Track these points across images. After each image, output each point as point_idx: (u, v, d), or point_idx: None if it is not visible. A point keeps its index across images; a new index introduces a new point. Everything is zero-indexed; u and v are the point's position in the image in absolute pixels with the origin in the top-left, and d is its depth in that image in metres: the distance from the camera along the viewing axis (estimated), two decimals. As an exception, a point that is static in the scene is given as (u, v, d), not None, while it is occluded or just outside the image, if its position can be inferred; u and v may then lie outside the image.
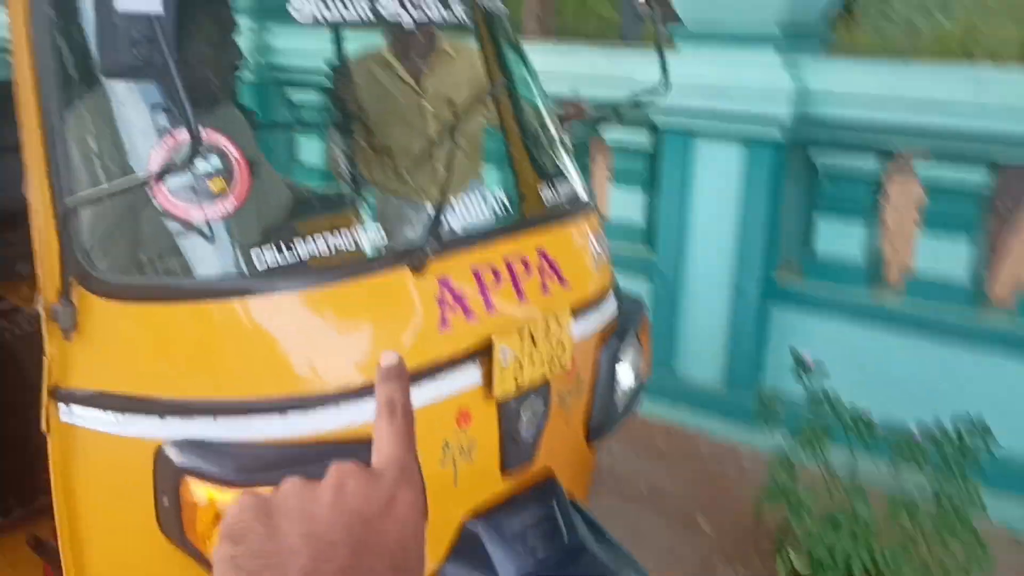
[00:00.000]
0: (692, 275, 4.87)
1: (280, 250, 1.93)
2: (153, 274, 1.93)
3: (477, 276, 2.15)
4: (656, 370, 4.98)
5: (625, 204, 5.19)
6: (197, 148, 1.61)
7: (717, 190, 4.70)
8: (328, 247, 2.01)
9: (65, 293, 1.86)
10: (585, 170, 5.41)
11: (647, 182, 5.10)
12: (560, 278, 2.35)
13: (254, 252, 1.90)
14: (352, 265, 2.01)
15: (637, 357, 2.67)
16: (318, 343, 1.93)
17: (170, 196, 1.85)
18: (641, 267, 5.07)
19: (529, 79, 2.80)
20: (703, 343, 4.91)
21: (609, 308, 2.59)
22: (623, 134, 5.05)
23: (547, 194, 2.52)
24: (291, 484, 0.61)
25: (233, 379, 1.88)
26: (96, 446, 1.93)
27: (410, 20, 2.27)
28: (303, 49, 6.01)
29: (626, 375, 2.64)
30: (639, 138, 5.01)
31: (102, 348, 1.90)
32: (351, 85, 3.42)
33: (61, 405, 1.93)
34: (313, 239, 2.01)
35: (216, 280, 1.89)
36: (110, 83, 1.89)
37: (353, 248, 2.06)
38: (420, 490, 0.63)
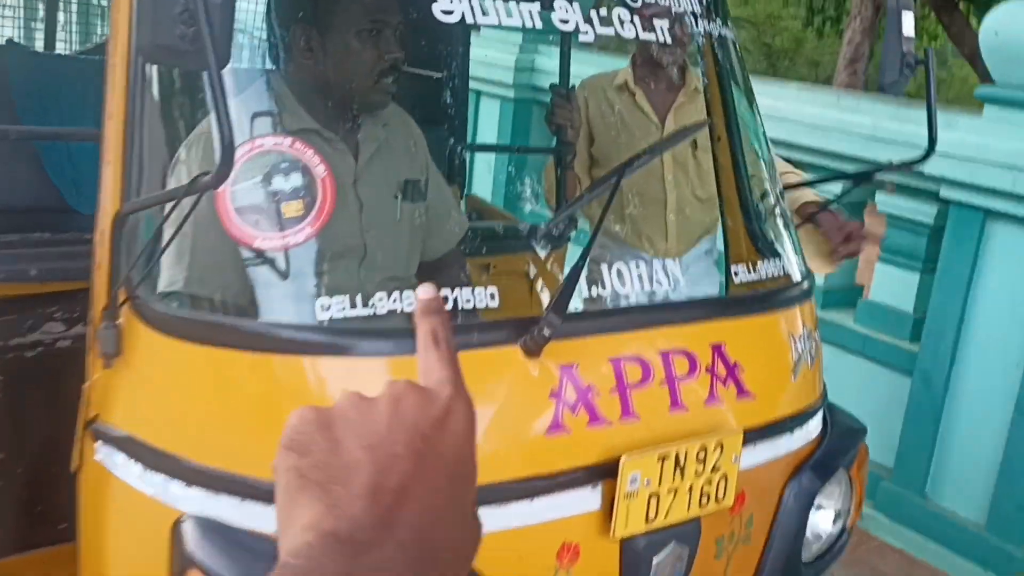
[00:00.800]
0: (965, 384, 4.01)
1: (363, 301, 1.52)
2: (208, 309, 1.59)
3: (617, 369, 1.64)
4: (903, 491, 4.17)
5: (893, 286, 4.39)
6: (229, 162, 1.23)
7: (1012, 285, 3.83)
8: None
9: (111, 313, 1.55)
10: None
11: (925, 263, 4.28)
12: (739, 386, 1.78)
13: (332, 299, 1.50)
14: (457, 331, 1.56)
15: (843, 500, 2.03)
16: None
17: (233, 216, 1.50)
18: (901, 363, 4.26)
19: (754, 124, 2.24)
20: (967, 469, 4.02)
21: (808, 431, 1.97)
22: (903, 203, 4.27)
23: (744, 271, 1.95)
24: (348, 398, 0.61)
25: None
26: (126, 498, 1.61)
27: (592, 35, 1.79)
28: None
29: (824, 521, 2.00)
30: (922, 211, 4.20)
31: (142, 385, 1.58)
32: (574, 109, 2.98)
33: (98, 442, 1.63)
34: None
35: (273, 329, 1.51)
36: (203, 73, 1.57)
37: (470, 308, 1.61)
38: (471, 405, 0.63)
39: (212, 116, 1.22)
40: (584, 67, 4.52)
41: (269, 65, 2.02)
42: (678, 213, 2.78)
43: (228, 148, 1.22)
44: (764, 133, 2.24)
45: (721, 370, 1.76)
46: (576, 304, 1.64)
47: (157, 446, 1.53)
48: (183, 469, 1.51)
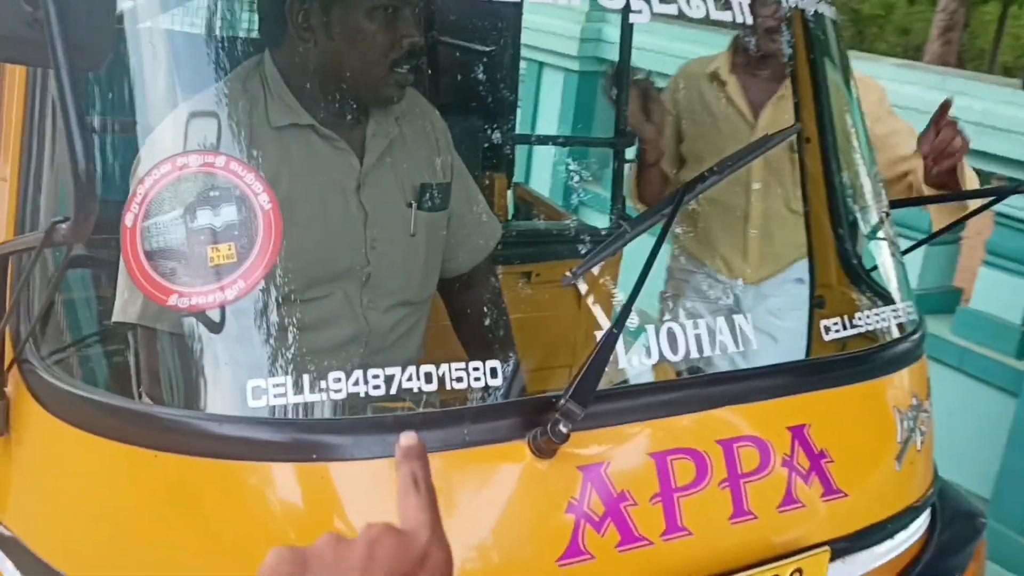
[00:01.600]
0: (1080, 411, 3.49)
1: (313, 384, 1.12)
2: (108, 385, 1.20)
3: (662, 468, 1.22)
4: (998, 527, 3.67)
5: (998, 293, 3.86)
6: (87, 207, 0.84)
7: None
8: (422, 378, 1.17)
9: (-4, 377, 1.18)
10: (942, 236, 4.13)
11: (1039, 270, 3.75)
12: (826, 482, 1.34)
13: (268, 381, 1.09)
14: (445, 421, 1.15)
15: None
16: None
17: (145, 263, 1.10)
18: (1005, 381, 3.75)
19: (855, 121, 1.77)
20: (1077, 508, 3.52)
21: (915, 532, 1.52)
22: (1015, 200, 3.72)
23: (836, 325, 1.50)
24: (326, 540, 0.63)
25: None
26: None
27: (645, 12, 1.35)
28: (641, 44, 5.21)
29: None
30: (1038, 209, 3.66)
31: (31, 477, 1.21)
32: (652, 99, 2.51)
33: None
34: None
35: (185, 420, 1.11)
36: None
37: (472, 383, 1.20)
38: (448, 552, 0.65)
39: (65, 138, 0.82)
40: (688, 46, 4.06)
41: (254, 45, 1.63)
42: (763, 229, 2.30)
43: (84, 188, 0.83)
44: (866, 136, 1.77)
45: (803, 462, 1.33)
46: (607, 377, 1.21)
47: (45, 560, 1.16)
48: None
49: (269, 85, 1.59)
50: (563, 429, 1.11)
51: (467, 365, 1.17)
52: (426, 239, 1.76)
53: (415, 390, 1.13)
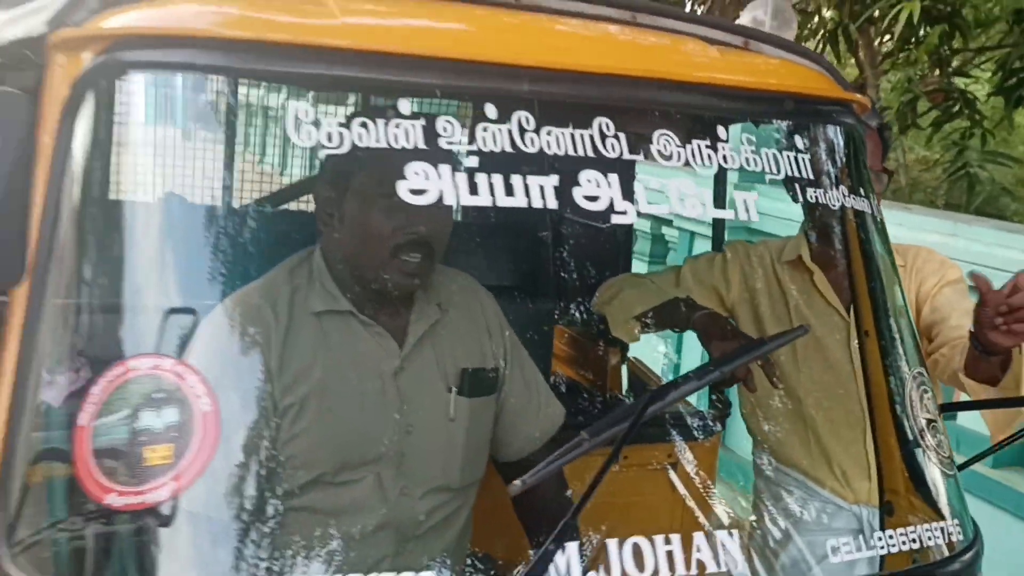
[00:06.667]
0: None
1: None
2: None
3: None
4: None
5: None
6: None
7: None
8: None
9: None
10: None
11: None
12: None
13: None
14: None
15: None
16: None
17: (90, 464, 1.12)
18: None
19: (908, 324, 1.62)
20: None
21: None
22: None
23: (901, 535, 1.32)
24: None
25: None
26: None
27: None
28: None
29: None
30: None
31: None
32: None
33: None
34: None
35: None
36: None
37: None
38: None
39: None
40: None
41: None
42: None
43: None
44: (914, 330, 1.61)
45: None
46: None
47: None
48: None
49: (314, 272, 1.65)
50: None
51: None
52: (468, 425, 1.73)
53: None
